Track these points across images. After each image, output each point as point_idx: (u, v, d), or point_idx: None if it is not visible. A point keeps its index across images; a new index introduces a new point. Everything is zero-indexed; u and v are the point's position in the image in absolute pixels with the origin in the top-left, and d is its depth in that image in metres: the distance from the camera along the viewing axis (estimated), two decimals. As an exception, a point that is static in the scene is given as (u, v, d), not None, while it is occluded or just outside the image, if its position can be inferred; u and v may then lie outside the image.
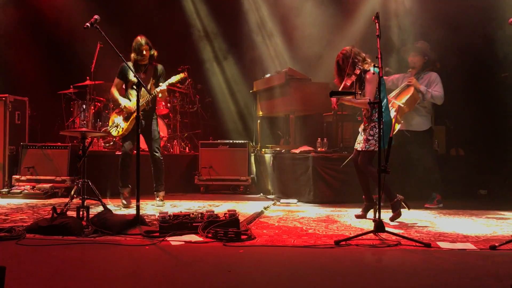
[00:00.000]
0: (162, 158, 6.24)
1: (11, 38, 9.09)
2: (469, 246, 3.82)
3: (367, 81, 4.88)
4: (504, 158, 7.31)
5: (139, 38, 6.02)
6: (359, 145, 5.12)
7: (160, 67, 6.22)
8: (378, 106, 4.18)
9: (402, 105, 5.72)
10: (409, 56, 6.35)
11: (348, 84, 4.91)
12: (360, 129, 5.17)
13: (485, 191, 7.34)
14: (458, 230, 4.48)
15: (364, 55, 5.02)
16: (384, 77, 5.51)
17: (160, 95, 6.02)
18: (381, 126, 4.08)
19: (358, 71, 4.90)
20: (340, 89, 4.93)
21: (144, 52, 5.99)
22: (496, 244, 3.73)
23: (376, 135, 4.68)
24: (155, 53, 6.14)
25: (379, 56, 4.13)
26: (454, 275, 3.06)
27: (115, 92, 6.18)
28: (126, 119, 6.05)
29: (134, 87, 5.21)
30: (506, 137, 7.36)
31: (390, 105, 5.41)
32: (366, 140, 4.96)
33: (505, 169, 7.21)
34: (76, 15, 8.72)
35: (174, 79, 6.05)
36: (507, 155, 7.25)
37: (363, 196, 5.25)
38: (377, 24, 4.22)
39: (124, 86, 6.26)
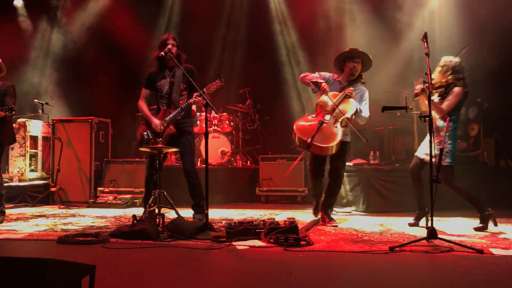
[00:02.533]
0: (193, 173, 5.05)
1: (96, 66, 9.57)
2: (522, 253, 3.62)
3: (453, 93, 4.67)
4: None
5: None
6: (425, 155, 4.78)
7: (189, 67, 4.99)
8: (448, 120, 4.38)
9: (347, 119, 4.99)
10: (351, 61, 5.11)
11: (419, 90, 4.76)
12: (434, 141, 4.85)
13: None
14: (511, 238, 4.26)
15: (465, 75, 4.82)
16: (319, 73, 5.26)
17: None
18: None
19: (450, 81, 4.72)
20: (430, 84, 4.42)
21: (170, 46, 4.89)
22: (550, 252, 3.52)
23: (445, 150, 4.66)
24: (183, 56, 5.04)
25: (428, 73, 4.03)
26: (508, 281, 2.91)
27: (143, 105, 5.17)
28: (156, 134, 4.96)
29: (162, 95, 5.00)
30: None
31: (334, 114, 4.96)
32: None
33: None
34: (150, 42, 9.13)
35: (214, 86, 4.81)
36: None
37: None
38: (425, 43, 4.12)
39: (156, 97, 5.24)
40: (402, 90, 7.00)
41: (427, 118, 3.97)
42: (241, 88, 9.14)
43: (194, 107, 5.58)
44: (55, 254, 3.73)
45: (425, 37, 4.17)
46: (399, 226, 5.02)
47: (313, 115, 5.07)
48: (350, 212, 6.33)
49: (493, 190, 6.55)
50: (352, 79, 5.16)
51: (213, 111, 5.57)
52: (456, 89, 4.69)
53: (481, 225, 4.71)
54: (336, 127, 4.94)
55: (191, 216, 5.08)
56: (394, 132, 6.95)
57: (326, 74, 5.30)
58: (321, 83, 5.08)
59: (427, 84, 4.13)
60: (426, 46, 4.12)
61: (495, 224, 4.77)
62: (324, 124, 4.92)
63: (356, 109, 5.04)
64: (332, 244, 4.03)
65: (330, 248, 3.87)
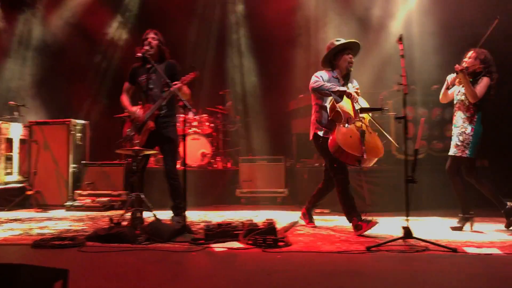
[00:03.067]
0: (174, 175, 4.95)
1: (74, 67, 9.46)
2: (495, 251, 3.70)
3: (483, 82, 4.68)
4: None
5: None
6: (455, 150, 4.83)
7: (172, 63, 4.98)
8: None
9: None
10: (345, 53, 4.84)
11: (464, 67, 4.71)
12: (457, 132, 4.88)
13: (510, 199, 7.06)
14: (485, 237, 4.34)
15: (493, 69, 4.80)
16: (318, 77, 4.77)
17: (180, 95, 4.64)
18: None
19: (480, 69, 4.73)
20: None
21: (149, 40, 4.88)
22: (522, 249, 3.60)
23: (466, 141, 4.73)
24: (166, 51, 5.00)
25: (403, 75, 4.08)
26: (481, 279, 2.96)
27: (124, 98, 5.09)
28: (138, 130, 4.92)
29: (144, 90, 4.85)
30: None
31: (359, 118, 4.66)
32: (456, 145, 4.79)
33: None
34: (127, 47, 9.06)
35: (189, 78, 4.72)
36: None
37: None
38: (401, 45, 4.18)
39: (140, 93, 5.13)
40: (380, 91, 7.08)
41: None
42: (222, 90, 9.13)
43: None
44: (30, 258, 3.67)
45: (400, 39, 4.22)
46: (377, 226, 5.06)
47: (347, 125, 4.56)
48: (329, 212, 6.37)
49: (469, 189, 6.65)
50: (348, 72, 4.84)
51: (190, 112, 5.45)
52: (485, 79, 4.71)
53: (508, 221, 4.70)
54: (371, 133, 4.67)
55: (170, 218, 5.05)
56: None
57: (324, 74, 4.86)
58: (344, 91, 4.63)
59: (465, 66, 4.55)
60: (401, 48, 4.17)
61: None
62: (366, 134, 4.56)
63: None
64: (310, 244, 4.05)
65: (308, 248, 3.89)
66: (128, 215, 4.50)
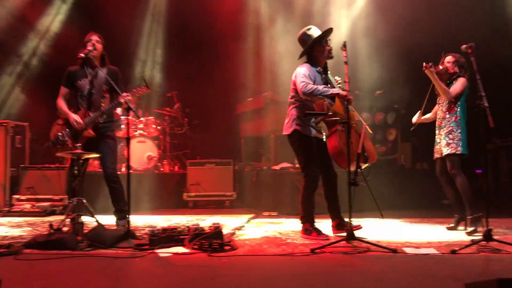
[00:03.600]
0: (115, 179, 4.80)
1: (12, 65, 9.06)
2: (432, 251, 3.86)
3: (459, 81, 4.86)
4: (465, 170, 7.42)
5: None
6: (443, 150, 4.90)
7: (113, 69, 4.86)
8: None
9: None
10: (324, 42, 4.63)
11: (440, 68, 4.89)
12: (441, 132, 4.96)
13: (448, 201, 7.40)
14: (423, 237, 4.53)
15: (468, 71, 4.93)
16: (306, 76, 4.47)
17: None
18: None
19: (455, 70, 4.92)
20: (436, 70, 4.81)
21: (93, 42, 4.72)
22: (457, 249, 3.78)
23: (456, 139, 4.80)
24: (107, 55, 4.87)
25: (346, 81, 4.20)
26: (418, 278, 3.09)
27: (61, 103, 4.85)
28: (74, 137, 4.75)
29: (83, 95, 4.72)
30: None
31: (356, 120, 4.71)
32: (447, 144, 4.84)
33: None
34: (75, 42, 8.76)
35: (140, 92, 4.62)
36: (468, 167, 7.37)
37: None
38: (344, 52, 4.29)
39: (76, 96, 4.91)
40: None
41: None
42: (169, 92, 9.02)
43: (118, 110, 5.35)
44: (-39, 268, 3.47)
45: (344, 46, 4.34)
46: (323, 227, 5.16)
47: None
48: (276, 215, 6.43)
49: (410, 191, 6.96)
50: (345, 60, 4.37)
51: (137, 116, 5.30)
52: (461, 79, 4.89)
53: (472, 228, 4.73)
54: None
55: (115, 223, 4.93)
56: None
57: (311, 71, 4.53)
58: (338, 93, 4.37)
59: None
60: (345, 55, 4.29)
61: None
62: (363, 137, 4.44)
63: None
64: (256, 248, 4.08)
65: (254, 252, 3.91)
66: (70, 220, 4.35)
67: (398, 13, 7.47)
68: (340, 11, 8.16)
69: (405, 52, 7.69)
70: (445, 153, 4.85)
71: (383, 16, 7.82)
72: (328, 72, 4.70)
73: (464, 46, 4.21)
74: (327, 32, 4.62)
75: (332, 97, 4.46)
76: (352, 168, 4.10)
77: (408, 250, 3.89)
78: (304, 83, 4.39)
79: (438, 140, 5.01)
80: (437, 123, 5.03)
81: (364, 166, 4.40)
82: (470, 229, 4.71)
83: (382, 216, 4.44)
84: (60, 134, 4.79)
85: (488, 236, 3.83)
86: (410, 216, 6.01)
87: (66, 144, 4.71)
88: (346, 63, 4.26)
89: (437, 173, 5.11)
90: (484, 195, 4.04)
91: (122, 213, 4.80)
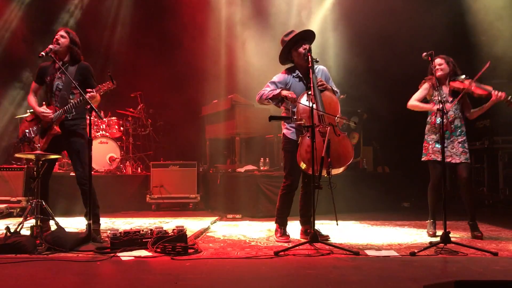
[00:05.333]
0: (85, 180, 4.47)
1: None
2: (392, 253, 3.95)
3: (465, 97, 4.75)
4: (425, 174, 7.66)
5: None
6: (457, 157, 4.73)
7: (84, 65, 4.72)
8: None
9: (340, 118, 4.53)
10: (298, 46, 4.51)
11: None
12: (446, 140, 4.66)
13: (408, 203, 7.64)
14: (384, 239, 4.63)
15: None
16: (272, 82, 4.58)
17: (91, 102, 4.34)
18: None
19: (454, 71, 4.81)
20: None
21: (57, 37, 4.59)
22: (416, 251, 3.89)
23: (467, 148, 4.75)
24: (79, 52, 4.70)
25: (311, 86, 4.22)
26: (379, 280, 3.16)
27: (31, 99, 4.74)
28: (41, 134, 4.64)
29: (52, 91, 4.59)
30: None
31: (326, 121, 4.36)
32: (465, 152, 4.74)
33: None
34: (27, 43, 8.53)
35: (105, 87, 4.51)
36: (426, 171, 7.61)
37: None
38: (309, 56, 4.34)
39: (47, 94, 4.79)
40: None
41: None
42: (133, 92, 8.88)
43: None
44: None
45: (309, 51, 4.40)
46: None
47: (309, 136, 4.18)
48: (241, 217, 6.44)
49: (372, 194, 7.11)
50: (308, 64, 4.37)
51: (99, 117, 5.12)
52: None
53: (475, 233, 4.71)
54: (339, 135, 4.37)
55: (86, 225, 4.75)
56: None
57: (282, 77, 4.59)
58: (279, 93, 4.40)
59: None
60: (310, 60, 4.34)
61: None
62: (332, 141, 4.20)
63: (337, 99, 4.53)
64: (220, 251, 4.07)
65: (217, 255, 3.90)
66: (28, 223, 4.23)
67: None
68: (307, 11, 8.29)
69: (368, 58, 7.88)
70: (462, 161, 4.71)
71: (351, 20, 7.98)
72: (316, 75, 4.47)
73: (424, 54, 4.33)
74: (304, 34, 4.54)
75: (279, 98, 4.45)
76: (317, 172, 4.10)
77: (369, 252, 3.97)
78: (258, 94, 4.58)
79: (448, 145, 4.72)
80: (446, 127, 4.39)
81: (329, 171, 4.13)
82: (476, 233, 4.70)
83: (337, 225, 4.42)
84: (27, 131, 4.68)
85: (446, 239, 3.95)
86: (372, 219, 6.13)
87: (33, 141, 4.58)
88: (311, 67, 4.31)
89: (436, 175, 4.80)
90: (443, 198, 4.15)
91: (93, 216, 4.63)
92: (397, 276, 3.25)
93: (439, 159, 4.71)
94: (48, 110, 4.58)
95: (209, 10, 8.81)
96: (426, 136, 4.92)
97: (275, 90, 4.49)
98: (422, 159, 4.91)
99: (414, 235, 4.89)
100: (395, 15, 7.63)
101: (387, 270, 3.41)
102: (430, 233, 4.83)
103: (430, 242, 4.12)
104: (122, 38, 9.32)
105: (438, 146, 4.74)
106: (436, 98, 4.77)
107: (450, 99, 4.78)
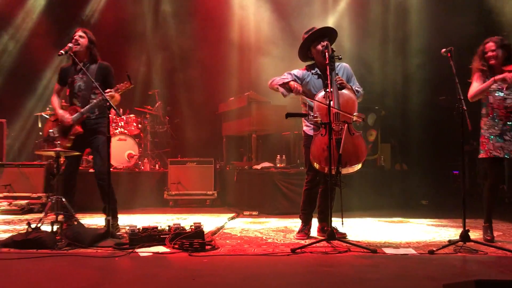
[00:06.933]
0: (104, 177, 4.48)
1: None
2: (410, 251, 3.91)
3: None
4: (443, 171, 7.59)
5: None
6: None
7: (104, 64, 4.79)
8: None
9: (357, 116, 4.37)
10: (317, 42, 4.45)
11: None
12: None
13: (426, 201, 7.55)
14: (402, 237, 4.58)
15: None
16: (288, 73, 4.55)
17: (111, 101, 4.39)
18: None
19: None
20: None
21: (76, 38, 4.65)
22: (434, 249, 3.84)
23: None
24: (97, 51, 4.80)
25: (328, 83, 4.18)
26: (397, 278, 3.13)
27: (54, 100, 4.89)
28: (63, 133, 4.74)
29: (74, 91, 4.67)
30: (444, 152, 7.64)
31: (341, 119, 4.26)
32: None
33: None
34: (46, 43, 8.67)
35: (123, 87, 4.58)
36: (446, 169, 7.53)
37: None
38: (326, 53, 4.29)
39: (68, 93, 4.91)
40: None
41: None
42: (151, 89, 8.96)
43: None
44: None
45: (326, 48, 4.35)
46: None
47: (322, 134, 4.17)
48: (257, 214, 6.44)
49: (390, 191, 7.06)
50: (328, 62, 4.23)
51: (118, 114, 5.14)
52: None
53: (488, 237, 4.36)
54: (354, 134, 4.29)
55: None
56: (300, 136, 7.19)
57: (300, 72, 4.56)
58: (288, 82, 4.41)
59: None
60: (327, 57, 4.30)
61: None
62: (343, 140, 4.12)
63: (356, 97, 4.40)
64: (236, 247, 4.08)
65: (234, 252, 3.91)
66: (48, 219, 4.29)
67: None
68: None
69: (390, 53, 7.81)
70: None
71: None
72: (335, 73, 4.38)
73: (443, 50, 4.25)
74: (323, 31, 4.47)
75: (287, 87, 4.44)
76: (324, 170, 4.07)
77: (387, 250, 3.93)
78: (272, 79, 4.56)
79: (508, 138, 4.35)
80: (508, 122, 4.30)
81: (341, 170, 4.08)
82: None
83: (342, 225, 4.37)
84: (51, 130, 4.76)
85: (465, 237, 3.90)
86: (389, 216, 6.08)
87: (56, 141, 4.65)
88: (327, 64, 4.26)
89: (496, 173, 4.42)
90: (462, 196, 4.08)
91: (110, 212, 4.67)
92: (416, 274, 3.22)
93: (501, 156, 4.32)
94: (66, 116, 4.66)
95: (226, 8, 8.83)
96: (483, 131, 4.46)
97: (286, 78, 4.49)
98: (480, 156, 4.48)
99: (432, 233, 4.83)
100: (416, 10, 7.58)
101: (405, 268, 3.38)
102: (488, 238, 4.33)
103: (449, 241, 4.06)
104: (140, 37, 9.39)
105: (500, 141, 4.33)
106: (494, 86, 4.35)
107: (505, 86, 4.33)
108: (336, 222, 4.24)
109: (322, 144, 4.15)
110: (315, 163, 4.27)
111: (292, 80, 4.47)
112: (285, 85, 4.46)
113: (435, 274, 3.20)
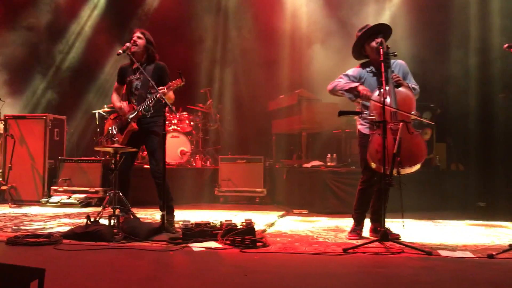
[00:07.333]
0: (159, 175, 4.67)
1: (50, 61, 9.38)
2: (468, 254, 3.78)
3: None
4: (502, 171, 7.25)
5: None
6: None
7: (161, 65, 4.89)
8: None
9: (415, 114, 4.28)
10: (371, 40, 4.37)
11: None
12: None
13: (484, 203, 7.23)
14: (458, 240, 4.43)
15: None
16: (345, 75, 4.48)
17: (166, 100, 4.54)
18: None
19: None
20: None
21: (134, 39, 4.79)
22: (494, 253, 3.69)
23: None
24: (155, 52, 4.91)
25: (383, 80, 4.09)
26: (453, 282, 3.03)
27: (114, 97, 5.04)
28: (120, 130, 4.91)
29: (132, 90, 4.81)
30: (503, 152, 7.30)
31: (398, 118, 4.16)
32: None
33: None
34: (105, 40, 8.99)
35: (175, 84, 4.63)
36: (505, 169, 7.19)
37: None
38: (381, 50, 4.20)
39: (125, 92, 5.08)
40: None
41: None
42: (203, 88, 9.11)
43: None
44: (4, 256, 3.62)
45: (380, 44, 4.26)
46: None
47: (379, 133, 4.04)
48: (307, 213, 6.41)
49: (445, 192, 6.84)
50: (383, 59, 4.14)
51: (171, 111, 5.26)
52: None
53: None
54: (413, 133, 4.19)
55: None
56: (351, 135, 7.10)
57: (356, 71, 4.48)
58: (356, 87, 4.30)
59: None
60: (382, 54, 4.21)
61: None
62: (403, 140, 4.03)
63: (413, 95, 4.29)
64: (287, 245, 4.08)
65: (285, 249, 3.91)
66: (106, 213, 4.47)
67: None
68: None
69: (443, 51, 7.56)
70: None
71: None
72: (391, 70, 4.29)
73: (506, 45, 4.05)
74: (377, 28, 4.38)
75: (355, 92, 4.32)
76: (388, 171, 3.98)
77: (443, 252, 3.82)
78: (330, 83, 4.48)
79: None
80: None
81: (400, 170, 3.98)
82: None
83: (403, 227, 4.23)
84: (110, 128, 4.95)
85: (527, 241, 3.72)
86: (445, 218, 5.88)
87: (115, 137, 4.82)
88: (382, 61, 4.17)
89: None
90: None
91: (167, 208, 4.73)
92: (474, 278, 3.11)
93: None
94: (124, 106, 4.83)
95: (276, 4, 8.84)
96: None
97: (351, 82, 4.36)
98: None
99: (491, 236, 4.64)
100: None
101: (462, 272, 3.27)
102: None
103: (510, 245, 3.88)
104: (192, 38, 9.57)
105: None
106: None
107: None
108: (389, 223, 4.16)
109: (380, 143, 4.05)
110: (372, 163, 4.19)
111: (360, 84, 4.33)
112: (353, 90, 4.33)
113: (495, 279, 3.08)
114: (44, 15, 9.40)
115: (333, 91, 4.47)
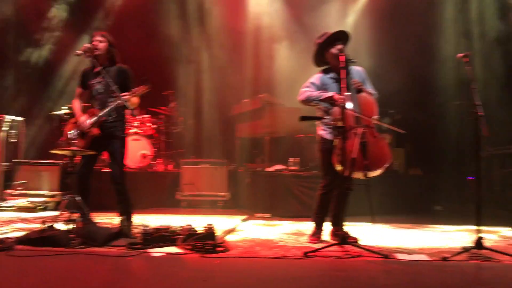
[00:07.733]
0: (119, 180, 4.64)
1: (9, 60, 9.06)
2: (424, 257, 3.88)
3: None
4: (457, 176, 7.50)
5: None
6: None
7: (123, 68, 4.73)
8: None
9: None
10: (332, 47, 4.40)
11: None
12: None
13: (440, 207, 7.47)
14: (415, 243, 4.54)
15: None
16: (310, 82, 4.50)
17: (129, 105, 4.48)
18: None
19: None
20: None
21: (95, 43, 4.60)
22: (448, 256, 3.80)
23: None
24: (117, 54, 4.75)
25: (345, 87, 4.15)
26: (410, 284, 3.10)
27: (74, 103, 4.83)
28: (81, 134, 4.70)
29: (94, 94, 4.65)
30: (459, 158, 7.55)
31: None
32: None
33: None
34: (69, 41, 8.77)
35: (139, 91, 4.56)
36: (458, 174, 7.45)
37: None
38: (341, 56, 4.26)
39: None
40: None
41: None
42: (166, 90, 8.99)
43: None
44: (-48, 263, 3.46)
45: (341, 51, 4.33)
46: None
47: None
48: (270, 217, 6.43)
49: (402, 197, 7.01)
50: (343, 65, 4.20)
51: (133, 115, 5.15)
52: None
53: None
54: (375, 137, 4.24)
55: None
56: (313, 139, 7.17)
57: (319, 77, 4.51)
58: (332, 96, 4.29)
59: None
60: (342, 60, 4.28)
61: None
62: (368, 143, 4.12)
63: (374, 100, 4.38)
64: (248, 250, 4.08)
65: (246, 254, 3.91)
66: (63, 217, 4.34)
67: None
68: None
69: (403, 57, 7.77)
70: None
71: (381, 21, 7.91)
72: (350, 76, 4.36)
73: (460, 54, 4.20)
74: (332, 36, 4.43)
75: (331, 101, 4.33)
76: (347, 174, 4.04)
77: (400, 256, 3.90)
78: (300, 92, 4.47)
79: None
80: None
81: (367, 173, 4.04)
82: None
83: (373, 223, 4.30)
84: (70, 132, 4.75)
85: (479, 244, 3.85)
86: (402, 222, 6.02)
87: (74, 142, 4.63)
88: (342, 68, 4.23)
89: None
90: (477, 203, 4.03)
91: (126, 212, 4.70)
92: (429, 281, 3.19)
93: None
94: (84, 120, 4.64)
95: (240, 10, 8.86)
96: None
97: (324, 91, 4.38)
98: None
99: (446, 240, 4.78)
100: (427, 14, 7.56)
101: (418, 275, 3.35)
102: None
103: (463, 247, 4.00)
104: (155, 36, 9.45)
105: None
106: None
107: None
108: (349, 227, 4.22)
109: (344, 148, 4.08)
110: (338, 166, 4.20)
111: (334, 94, 4.30)
112: (328, 99, 4.33)
113: (448, 281, 3.17)
114: (7, 9, 9.08)
115: (307, 101, 4.45)
